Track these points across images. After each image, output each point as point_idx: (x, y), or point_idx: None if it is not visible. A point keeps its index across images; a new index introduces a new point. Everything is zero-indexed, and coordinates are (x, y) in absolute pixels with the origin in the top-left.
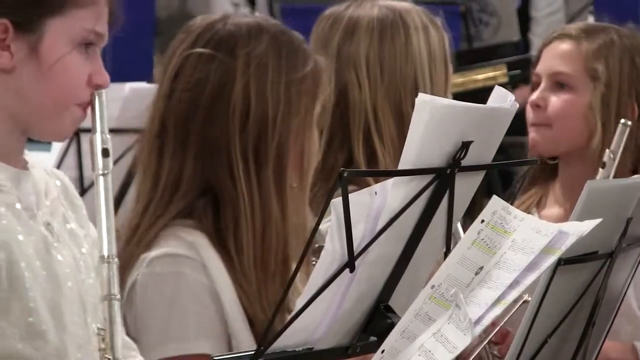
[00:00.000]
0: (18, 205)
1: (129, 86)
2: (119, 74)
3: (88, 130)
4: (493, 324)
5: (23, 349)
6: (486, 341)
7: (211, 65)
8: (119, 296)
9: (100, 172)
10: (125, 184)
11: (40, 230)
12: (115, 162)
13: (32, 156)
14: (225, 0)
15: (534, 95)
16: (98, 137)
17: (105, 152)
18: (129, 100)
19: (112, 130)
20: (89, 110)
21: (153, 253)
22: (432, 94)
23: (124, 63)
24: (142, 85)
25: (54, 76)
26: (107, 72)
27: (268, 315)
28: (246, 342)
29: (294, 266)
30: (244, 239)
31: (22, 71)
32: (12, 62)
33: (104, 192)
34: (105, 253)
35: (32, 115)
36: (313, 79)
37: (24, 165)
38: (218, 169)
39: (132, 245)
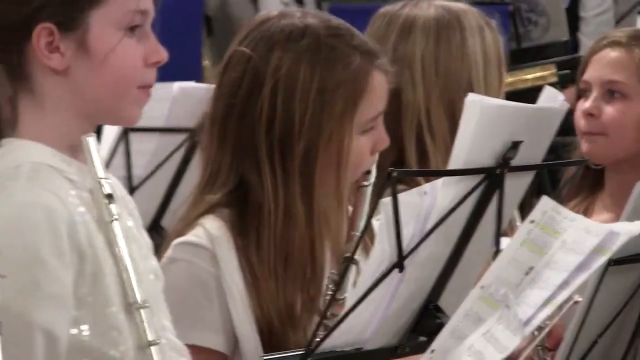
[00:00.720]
0: (91, 203)
1: (178, 85)
2: (168, 74)
3: (137, 130)
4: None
5: (98, 343)
6: (536, 341)
7: (247, 65)
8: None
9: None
10: (173, 183)
11: (109, 226)
12: (165, 160)
13: None
14: (275, 1)
15: (587, 104)
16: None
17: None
18: (177, 99)
19: (160, 130)
20: (144, 110)
21: (179, 239)
22: (486, 95)
23: (172, 62)
24: (191, 84)
25: (107, 66)
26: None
27: (281, 317)
28: (250, 344)
29: (325, 269)
30: (264, 239)
31: (76, 69)
32: (65, 62)
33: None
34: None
35: (96, 109)
36: (354, 83)
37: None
38: (247, 167)
39: (175, 231)
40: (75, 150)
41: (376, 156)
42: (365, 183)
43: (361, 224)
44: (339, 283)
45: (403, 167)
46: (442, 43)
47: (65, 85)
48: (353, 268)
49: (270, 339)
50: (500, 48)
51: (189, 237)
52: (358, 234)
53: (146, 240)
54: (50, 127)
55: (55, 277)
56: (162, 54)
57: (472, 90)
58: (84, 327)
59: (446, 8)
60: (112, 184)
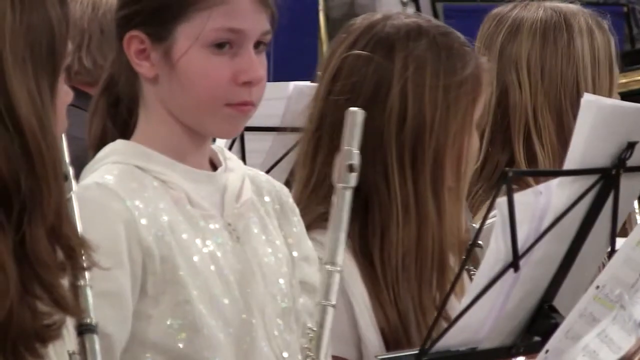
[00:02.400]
0: (188, 206)
1: (293, 85)
2: (283, 73)
3: (252, 129)
4: None
5: (174, 341)
6: None
7: (368, 68)
8: (334, 303)
9: (342, 185)
10: (286, 183)
11: (213, 229)
12: (279, 161)
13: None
14: (393, 1)
15: None
16: (345, 152)
17: (350, 168)
18: (293, 99)
19: (276, 129)
20: (260, 109)
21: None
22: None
23: (288, 62)
24: (306, 84)
25: (189, 80)
26: (264, 69)
27: (405, 321)
28: (374, 349)
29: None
30: (393, 246)
31: (164, 79)
32: (153, 71)
33: (340, 204)
34: (328, 260)
35: (186, 118)
36: (472, 81)
37: (208, 167)
38: (371, 173)
39: None
40: (183, 154)
41: None
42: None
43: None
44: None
45: (515, 168)
46: (549, 44)
47: (157, 94)
48: None
49: (395, 339)
50: (612, 49)
51: None
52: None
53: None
54: (154, 130)
55: (106, 275)
56: (253, 74)
57: (579, 92)
58: (159, 326)
59: (555, 9)
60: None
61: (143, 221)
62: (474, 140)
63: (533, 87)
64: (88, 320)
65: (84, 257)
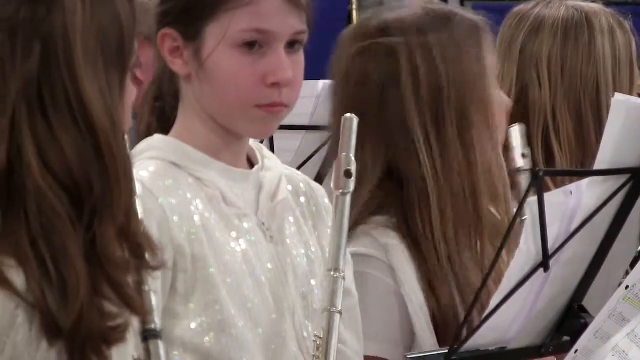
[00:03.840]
0: (222, 204)
1: (323, 83)
2: (313, 71)
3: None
4: None
5: (202, 339)
6: None
7: (374, 55)
8: (340, 309)
9: (341, 191)
10: (317, 180)
11: (247, 228)
12: (308, 159)
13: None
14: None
15: None
16: (343, 158)
17: (348, 174)
18: (322, 97)
19: (306, 127)
20: (296, 109)
21: (348, 250)
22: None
23: (318, 60)
24: None
25: (217, 80)
26: (297, 70)
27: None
28: (428, 344)
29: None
30: (433, 212)
31: (195, 78)
32: (186, 69)
33: (341, 209)
34: (331, 266)
35: (218, 117)
36: (475, 29)
37: (245, 165)
38: (398, 148)
39: None
40: (219, 151)
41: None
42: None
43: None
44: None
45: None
46: (569, 43)
47: (192, 92)
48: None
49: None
50: (633, 50)
51: (359, 248)
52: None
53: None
54: (191, 126)
55: None
56: (281, 75)
57: (598, 92)
58: (189, 324)
59: (577, 8)
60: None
61: (175, 219)
62: (497, 91)
63: (553, 86)
64: (153, 326)
65: (152, 258)
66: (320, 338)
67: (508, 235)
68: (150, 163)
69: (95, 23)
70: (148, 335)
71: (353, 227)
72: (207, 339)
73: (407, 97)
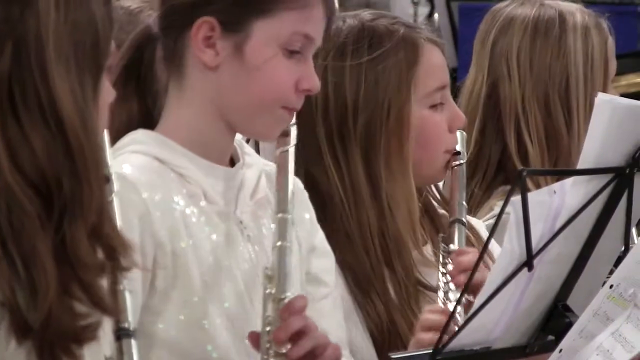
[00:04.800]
0: (203, 202)
1: None
2: None
3: None
4: None
5: (178, 336)
6: None
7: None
8: (289, 244)
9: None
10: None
11: (226, 226)
12: None
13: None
14: (407, 1)
15: None
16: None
17: (285, 133)
18: None
19: None
20: None
21: None
22: (585, 95)
23: None
24: None
25: (257, 77)
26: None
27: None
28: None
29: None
30: (347, 228)
31: (225, 70)
32: (216, 61)
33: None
34: (279, 209)
35: (235, 114)
36: (405, 49)
37: (228, 163)
38: (315, 170)
39: None
40: (207, 148)
41: (460, 136)
42: (457, 162)
43: (461, 208)
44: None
45: (507, 161)
46: (539, 37)
47: (211, 83)
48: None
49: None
50: (608, 49)
51: None
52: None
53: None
54: (185, 120)
55: None
56: (313, 83)
57: (568, 86)
58: (168, 321)
59: (552, 6)
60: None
61: (157, 214)
62: (433, 119)
63: (522, 79)
64: (126, 325)
65: (125, 258)
66: (271, 271)
67: (488, 240)
68: (134, 157)
69: (69, 24)
70: (121, 334)
71: None
72: (184, 335)
73: (318, 110)
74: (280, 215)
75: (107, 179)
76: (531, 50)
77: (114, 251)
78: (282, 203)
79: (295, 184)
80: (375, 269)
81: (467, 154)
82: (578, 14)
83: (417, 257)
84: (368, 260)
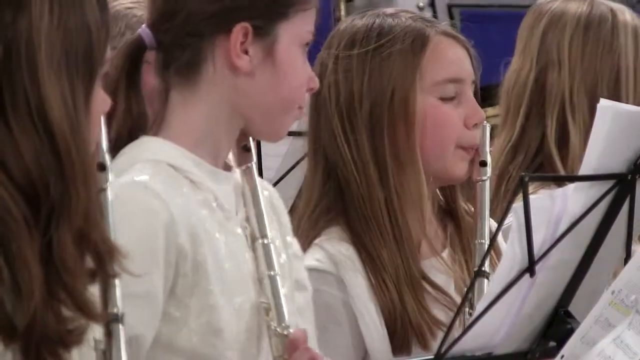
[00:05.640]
0: (215, 207)
1: None
2: None
3: None
4: None
5: (197, 343)
6: None
7: (320, 68)
8: (277, 272)
9: (245, 166)
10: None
11: (237, 232)
12: (295, 164)
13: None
14: (411, 4)
15: None
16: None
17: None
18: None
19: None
20: None
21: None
22: (635, 91)
23: None
24: None
25: (287, 79)
26: None
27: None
28: (382, 356)
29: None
30: (367, 213)
31: (257, 74)
32: (251, 66)
33: (252, 182)
34: (260, 234)
35: (258, 117)
36: (412, 37)
37: (227, 167)
38: (329, 150)
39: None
40: (211, 153)
41: (483, 131)
42: (482, 178)
43: (484, 229)
44: (466, 296)
45: (544, 148)
46: (592, 29)
47: (238, 86)
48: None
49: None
50: None
51: (312, 262)
52: (484, 242)
53: (295, 250)
54: (194, 126)
55: (141, 276)
56: (317, 82)
57: (618, 81)
58: (187, 329)
59: (603, 3)
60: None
61: (180, 221)
62: (443, 109)
63: (572, 68)
64: (115, 310)
65: (113, 264)
66: (268, 303)
67: (491, 245)
68: (150, 165)
69: (62, 29)
70: (110, 319)
71: (310, 240)
72: (201, 342)
73: (331, 97)
74: (262, 241)
75: (103, 167)
76: (584, 41)
77: (101, 257)
78: (262, 227)
79: (272, 191)
80: (388, 253)
81: (489, 150)
82: (627, 13)
83: (434, 262)
84: (382, 244)
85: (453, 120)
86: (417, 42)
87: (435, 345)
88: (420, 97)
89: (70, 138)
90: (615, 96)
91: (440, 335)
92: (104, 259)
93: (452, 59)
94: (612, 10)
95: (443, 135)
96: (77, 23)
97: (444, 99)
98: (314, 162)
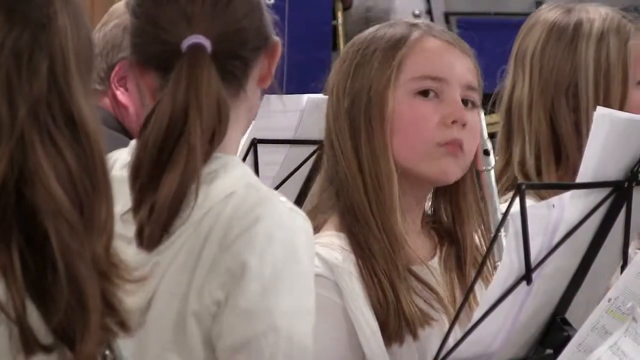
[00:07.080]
0: None
1: (307, 97)
2: (297, 86)
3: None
4: None
5: None
6: None
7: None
8: None
9: (484, 168)
10: (301, 194)
11: None
12: (292, 173)
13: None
14: (407, 12)
15: None
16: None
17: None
18: (306, 111)
19: (290, 142)
20: (266, 123)
21: None
22: (601, 102)
23: (302, 75)
24: (320, 96)
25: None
26: (285, 84)
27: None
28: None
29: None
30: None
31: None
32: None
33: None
34: None
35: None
36: (393, 35)
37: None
38: (328, 153)
39: None
40: None
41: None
42: (487, 167)
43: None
44: (468, 293)
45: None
46: (552, 41)
47: (256, 97)
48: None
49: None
50: (629, 53)
51: None
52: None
53: None
54: (236, 137)
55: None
56: None
57: (577, 95)
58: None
59: (579, 10)
60: None
61: None
62: (418, 106)
63: (532, 83)
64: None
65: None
66: None
67: (489, 250)
68: (255, 179)
69: (80, 40)
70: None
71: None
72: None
73: (331, 106)
74: None
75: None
76: (542, 53)
77: (109, 269)
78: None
79: None
80: (377, 244)
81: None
82: (599, 20)
83: (419, 269)
84: (370, 234)
85: (428, 117)
86: (397, 39)
87: (424, 335)
88: (397, 92)
89: (102, 147)
90: (575, 110)
91: (428, 328)
92: (110, 271)
93: (432, 56)
94: (578, 20)
95: (417, 131)
96: (87, 32)
97: (421, 95)
98: (324, 156)
